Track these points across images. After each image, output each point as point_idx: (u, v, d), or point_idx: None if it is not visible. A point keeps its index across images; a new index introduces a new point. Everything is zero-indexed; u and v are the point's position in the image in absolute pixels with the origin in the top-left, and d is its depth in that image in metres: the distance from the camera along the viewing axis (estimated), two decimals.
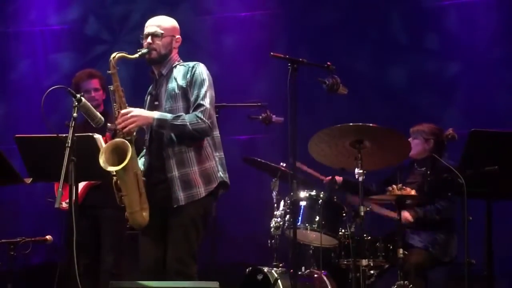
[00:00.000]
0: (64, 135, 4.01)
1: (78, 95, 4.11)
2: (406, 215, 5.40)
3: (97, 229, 5.34)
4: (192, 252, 4.21)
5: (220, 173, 4.30)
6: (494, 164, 4.33)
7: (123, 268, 5.36)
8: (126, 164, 4.00)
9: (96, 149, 4.36)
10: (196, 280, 4.18)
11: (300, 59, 4.37)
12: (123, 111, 4.16)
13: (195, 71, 4.27)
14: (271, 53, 4.41)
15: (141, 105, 4.37)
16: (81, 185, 5.18)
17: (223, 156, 4.36)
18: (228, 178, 4.35)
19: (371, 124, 4.76)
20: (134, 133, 4.18)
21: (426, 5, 7.02)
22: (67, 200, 4.93)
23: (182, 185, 4.18)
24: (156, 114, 4.18)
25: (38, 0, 7.68)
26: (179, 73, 4.30)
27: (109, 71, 4.19)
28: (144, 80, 4.54)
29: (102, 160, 4.01)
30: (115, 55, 4.18)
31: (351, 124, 4.80)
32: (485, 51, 6.78)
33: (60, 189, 3.83)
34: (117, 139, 4.11)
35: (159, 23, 4.33)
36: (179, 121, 4.14)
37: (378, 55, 7.06)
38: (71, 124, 3.98)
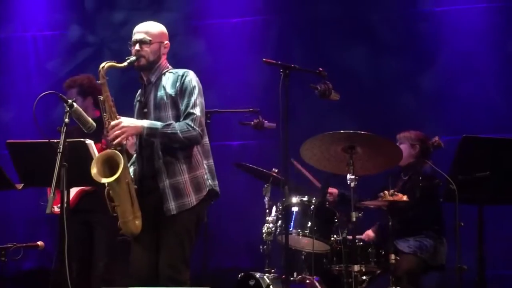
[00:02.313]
0: (55, 140, 4.01)
1: (70, 101, 4.10)
2: (369, 233, 5.46)
3: (89, 233, 5.33)
4: (185, 259, 4.21)
5: (209, 181, 4.30)
6: (485, 169, 4.35)
7: (115, 273, 5.34)
8: (119, 176, 4.01)
9: (88, 154, 4.36)
10: (188, 286, 4.17)
11: (292, 65, 4.37)
12: (112, 123, 4.15)
13: (184, 79, 4.25)
14: (264, 59, 4.42)
15: (130, 112, 4.36)
16: (74, 191, 5.17)
17: (212, 163, 4.34)
18: (217, 186, 4.34)
19: (362, 132, 4.77)
20: (125, 143, 4.18)
21: (420, 10, 7.04)
22: (59, 205, 4.96)
23: (173, 194, 4.18)
24: (145, 123, 4.17)
25: (30, 5, 7.66)
26: (168, 81, 4.29)
27: (99, 81, 4.18)
28: (133, 85, 4.54)
29: (94, 172, 4.01)
30: (104, 65, 4.17)
31: (342, 131, 4.81)
32: (477, 57, 6.80)
33: (52, 195, 3.83)
34: (108, 150, 4.11)
35: (147, 30, 4.31)
36: (169, 129, 4.13)
37: (371, 60, 7.07)
38: (63, 130, 3.97)
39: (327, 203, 5.54)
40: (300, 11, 7.26)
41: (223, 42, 7.35)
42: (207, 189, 4.27)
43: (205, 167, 4.29)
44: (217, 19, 7.40)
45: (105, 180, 4.02)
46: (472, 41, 6.83)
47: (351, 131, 4.80)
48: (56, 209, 5.14)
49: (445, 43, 6.91)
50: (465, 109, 6.72)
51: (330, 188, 5.63)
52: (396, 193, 5.16)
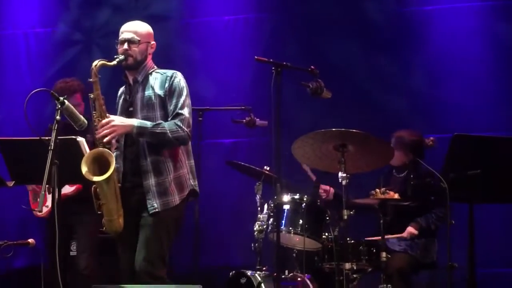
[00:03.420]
0: (47, 138, 4.00)
1: (61, 98, 4.09)
2: (410, 229, 5.40)
3: (70, 232, 5.36)
4: (162, 255, 4.23)
5: (191, 181, 4.35)
6: (476, 168, 4.36)
7: (95, 269, 5.39)
8: (110, 175, 4.00)
9: (79, 152, 4.35)
10: (166, 282, 4.18)
11: (284, 63, 4.38)
12: (103, 121, 4.16)
13: (173, 80, 4.29)
14: (256, 57, 4.43)
15: (112, 108, 4.36)
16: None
17: (193, 163, 4.41)
18: (197, 186, 4.40)
19: (354, 130, 4.78)
20: (114, 141, 4.19)
21: (411, 9, 7.05)
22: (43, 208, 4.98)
23: (158, 192, 4.21)
24: (135, 122, 4.19)
25: (20, 2, 7.64)
26: (156, 81, 4.32)
27: (91, 79, 4.19)
28: (117, 84, 4.54)
29: (85, 170, 4.00)
30: (97, 63, 4.19)
31: (333, 129, 4.82)
32: (467, 56, 6.81)
33: (43, 192, 3.83)
34: (99, 149, 4.11)
35: (135, 29, 4.35)
36: (159, 129, 4.16)
37: (362, 59, 7.07)
38: (54, 127, 3.97)
39: (318, 201, 5.54)
40: (292, 9, 7.26)
41: (215, 39, 7.35)
42: (189, 189, 4.32)
43: (188, 167, 4.34)
44: (209, 17, 7.39)
45: (96, 179, 4.02)
46: (462, 40, 6.84)
47: (343, 129, 4.80)
48: (39, 213, 5.18)
49: (436, 42, 6.91)
50: (455, 108, 6.73)
51: (325, 186, 5.61)
52: (387, 191, 5.17)
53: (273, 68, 4.35)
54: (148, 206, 4.20)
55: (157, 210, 4.19)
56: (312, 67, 4.50)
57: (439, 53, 6.90)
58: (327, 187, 5.59)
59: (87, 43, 7.48)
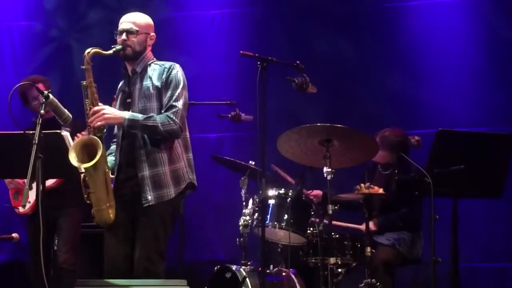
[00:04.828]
0: (31, 132, 3.98)
1: (46, 92, 4.08)
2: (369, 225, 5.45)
3: (52, 226, 5.34)
4: (160, 251, 4.22)
5: (189, 174, 4.33)
6: (460, 163, 4.39)
7: (75, 264, 5.39)
8: (97, 162, 3.99)
9: (63, 146, 4.33)
10: (163, 278, 4.17)
11: (269, 58, 4.38)
12: (95, 108, 4.15)
13: (171, 72, 4.28)
14: (241, 52, 4.42)
15: (105, 97, 4.35)
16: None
17: (191, 157, 4.38)
18: (195, 179, 4.38)
19: (339, 125, 4.79)
20: (104, 130, 4.18)
21: (395, 4, 7.06)
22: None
23: (152, 185, 4.19)
24: (127, 114, 4.18)
25: None
26: (154, 73, 4.30)
27: (83, 66, 4.17)
28: (114, 74, 4.52)
29: (72, 157, 3.99)
30: (90, 50, 4.18)
31: (319, 124, 4.83)
32: (451, 52, 6.84)
33: (27, 187, 3.80)
34: (87, 136, 4.10)
35: (134, 20, 4.34)
36: (150, 122, 4.15)
37: (348, 54, 7.08)
38: (38, 121, 3.95)
39: (303, 196, 5.55)
40: (278, 3, 7.26)
41: (201, 34, 7.33)
42: (186, 182, 4.30)
43: (185, 160, 4.32)
44: (194, 11, 7.37)
45: (82, 165, 4.00)
46: (446, 35, 6.86)
47: (328, 124, 4.81)
48: (21, 209, 5.16)
49: (420, 37, 6.93)
50: (438, 103, 6.75)
51: (308, 191, 5.62)
52: (372, 186, 5.19)
53: (258, 62, 4.35)
54: (142, 199, 4.18)
55: (150, 203, 4.18)
56: (297, 62, 4.51)
57: (423, 49, 6.92)
58: (319, 192, 5.59)
59: (67, 37, 7.44)
